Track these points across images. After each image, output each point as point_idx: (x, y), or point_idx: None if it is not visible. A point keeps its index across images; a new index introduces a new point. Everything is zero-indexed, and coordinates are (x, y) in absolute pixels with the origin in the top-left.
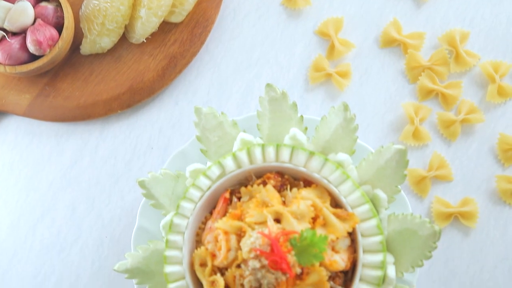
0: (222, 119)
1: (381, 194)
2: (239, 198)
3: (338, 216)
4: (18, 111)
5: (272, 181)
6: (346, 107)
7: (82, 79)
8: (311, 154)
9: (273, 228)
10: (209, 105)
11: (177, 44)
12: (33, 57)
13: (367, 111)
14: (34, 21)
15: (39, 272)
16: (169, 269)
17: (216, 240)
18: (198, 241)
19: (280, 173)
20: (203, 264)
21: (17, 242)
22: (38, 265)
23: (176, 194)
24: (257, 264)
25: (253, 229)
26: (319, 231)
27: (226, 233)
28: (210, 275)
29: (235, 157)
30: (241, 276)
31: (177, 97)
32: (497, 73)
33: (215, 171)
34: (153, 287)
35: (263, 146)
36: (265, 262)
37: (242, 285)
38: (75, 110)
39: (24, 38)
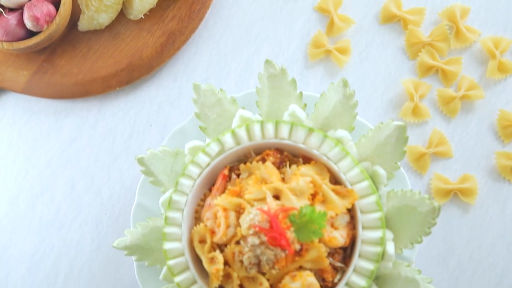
0: (221, 96)
1: (381, 171)
2: (238, 175)
3: (337, 193)
4: (16, 88)
5: (271, 158)
6: (345, 83)
7: (80, 55)
8: (310, 130)
9: (272, 204)
10: (208, 82)
11: (175, 21)
12: (31, 34)
13: (366, 87)
14: None
15: (38, 249)
16: (168, 245)
17: (215, 216)
18: (197, 218)
19: (279, 149)
20: (202, 241)
21: (16, 220)
22: (37, 242)
23: (175, 171)
24: (256, 241)
25: (252, 205)
26: (318, 208)
27: (225, 209)
28: (209, 251)
29: (234, 133)
30: (240, 252)
31: (175, 74)
32: (498, 49)
33: (214, 148)
34: (152, 264)
35: (262, 123)
36: (264, 238)
37: (241, 261)
38: (73, 87)
39: (21, 14)
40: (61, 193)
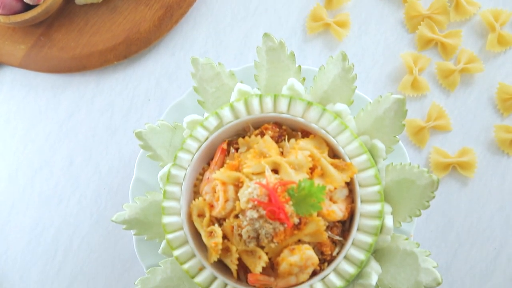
0: (220, 70)
1: (379, 144)
2: (236, 149)
3: (336, 166)
4: (13, 62)
5: (270, 132)
6: (344, 57)
7: (77, 29)
8: (309, 104)
9: (271, 178)
10: (206, 56)
11: None
12: (28, 7)
13: (365, 61)
14: None
15: (37, 224)
16: (167, 219)
17: (214, 190)
18: (195, 192)
19: (278, 123)
20: (201, 215)
21: (15, 195)
22: (36, 217)
23: (173, 145)
24: (255, 214)
25: (251, 179)
26: (317, 181)
27: (224, 183)
28: (208, 225)
29: (232, 107)
30: (239, 226)
31: (173, 48)
32: (498, 21)
33: (212, 122)
34: (151, 238)
35: (260, 97)
36: (263, 212)
37: (240, 235)
38: (71, 61)
39: None
40: (60, 167)
